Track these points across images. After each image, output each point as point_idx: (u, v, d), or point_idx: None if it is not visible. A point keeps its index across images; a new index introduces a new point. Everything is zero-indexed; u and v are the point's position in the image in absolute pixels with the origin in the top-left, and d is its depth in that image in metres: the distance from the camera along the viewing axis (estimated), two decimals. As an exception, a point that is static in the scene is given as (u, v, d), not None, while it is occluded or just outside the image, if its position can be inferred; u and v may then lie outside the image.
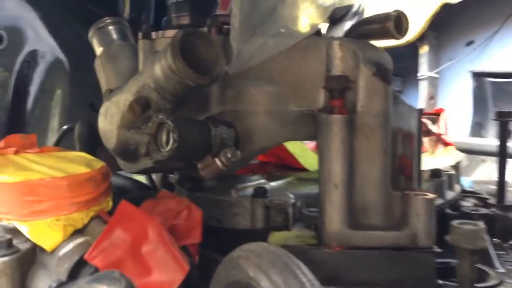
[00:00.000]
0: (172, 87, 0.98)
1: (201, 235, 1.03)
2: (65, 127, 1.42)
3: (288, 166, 1.56)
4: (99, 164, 1.04)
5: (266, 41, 1.05)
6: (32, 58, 2.17)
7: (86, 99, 2.19)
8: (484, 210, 1.49)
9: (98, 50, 1.41)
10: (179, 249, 0.92)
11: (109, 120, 1.13)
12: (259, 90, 1.18)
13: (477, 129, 3.09)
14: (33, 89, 2.20)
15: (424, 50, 3.92)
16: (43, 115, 2.25)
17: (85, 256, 0.84)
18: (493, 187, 2.06)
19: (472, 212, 1.46)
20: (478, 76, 3.01)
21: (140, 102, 0.98)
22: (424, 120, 1.84)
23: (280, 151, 1.52)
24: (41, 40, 2.19)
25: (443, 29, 3.88)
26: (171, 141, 0.92)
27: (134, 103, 0.98)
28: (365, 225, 1.10)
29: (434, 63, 3.95)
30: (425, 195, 1.12)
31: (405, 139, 1.19)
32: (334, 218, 1.08)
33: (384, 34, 1.21)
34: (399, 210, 1.12)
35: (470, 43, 3.73)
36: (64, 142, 1.55)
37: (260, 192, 1.21)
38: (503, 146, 1.51)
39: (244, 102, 1.17)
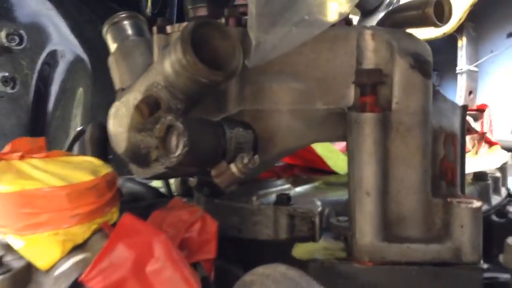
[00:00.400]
0: (183, 84, 0.88)
1: (216, 249, 0.93)
2: (79, 129, 1.34)
3: (316, 169, 1.44)
4: (105, 170, 0.94)
5: (289, 31, 0.94)
6: (52, 58, 2.11)
7: (109, 99, 2.13)
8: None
9: (112, 46, 1.32)
10: (190, 267, 0.81)
11: (119, 122, 1.04)
12: (282, 86, 1.07)
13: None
14: (54, 89, 2.15)
15: (462, 42, 3.72)
16: (65, 116, 2.20)
17: (82, 277, 0.74)
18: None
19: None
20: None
21: (149, 102, 0.88)
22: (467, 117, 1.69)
23: (307, 153, 1.41)
24: (62, 39, 2.14)
25: (482, 19, 3.67)
26: (180, 146, 0.82)
27: (141, 103, 0.88)
28: (401, 238, 0.98)
29: (473, 56, 3.74)
30: (471, 203, 0.99)
31: (447, 140, 1.06)
32: (366, 229, 0.96)
33: (423, 22, 1.08)
34: (440, 220, 1.00)
35: (511, 34, 3.50)
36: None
37: (283, 199, 1.10)
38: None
39: (265, 100, 1.06)
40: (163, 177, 1.15)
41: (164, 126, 0.84)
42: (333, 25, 1.07)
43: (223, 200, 1.15)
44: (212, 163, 0.89)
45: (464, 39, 3.68)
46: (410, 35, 1.06)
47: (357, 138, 0.97)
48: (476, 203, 0.99)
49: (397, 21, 1.12)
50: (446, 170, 1.05)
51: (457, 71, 3.73)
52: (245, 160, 0.85)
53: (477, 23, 3.67)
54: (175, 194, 1.45)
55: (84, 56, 2.13)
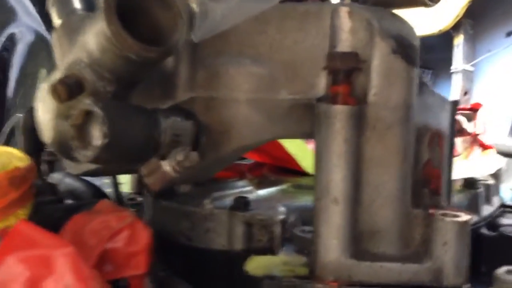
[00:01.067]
0: (110, 62, 0.72)
1: (148, 263, 0.76)
2: (15, 116, 1.18)
3: (288, 169, 1.27)
4: (19, 164, 0.78)
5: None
6: (10, 41, 1.94)
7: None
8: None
9: (57, 22, 1.15)
10: (107, 286, 0.65)
11: (46, 108, 0.87)
12: (240, 71, 0.91)
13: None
14: (14, 75, 1.98)
15: (459, 40, 3.56)
16: (26, 102, 2.03)
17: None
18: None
19: (515, 235, 1.16)
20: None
21: (67, 83, 0.71)
22: (458, 117, 1.54)
23: (278, 151, 1.25)
24: (23, 17, 1.97)
25: (481, 17, 3.51)
26: (99, 136, 0.65)
27: (58, 84, 0.71)
28: (373, 255, 0.82)
29: (470, 55, 3.59)
30: (457, 216, 0.83)
31: (433, 141, 0.90)
32: (332, 243, 0.80)
33: (411, 1, 0.92)
34: (420, 235, 0.84)
35: (511, 33, 3.35)
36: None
37: (240, 203, 0.94)
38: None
39: (220, 86, 0.90)
40: (97, 173, 0.99)
41: (81, 112, 0.68)
42: None
43: (172, 202, 0.99)
44: (141, 159, 0.72)
45: (461, 37, 3.52)
46: (394, 15, 0.90)
47: (325, 135, 0.81)
48: (464, 217, 0.83)
49: (384, 1, 0.96)
50: (429, 176, 0.89)
51: (452, 70, 3.58)
52: (180, 157, 0.69)
53: (475, 20, 3.52)
54: (129, 193, 1.29)
55: (46, 34, 1.95)
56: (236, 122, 0.89)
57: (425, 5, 0.90)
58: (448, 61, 3.62)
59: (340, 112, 0.80)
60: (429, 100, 0.93)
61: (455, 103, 0.97)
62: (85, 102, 0.67)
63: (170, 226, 0.98)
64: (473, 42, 3.58)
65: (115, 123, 0.66)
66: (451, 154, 0.96)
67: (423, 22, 3.02)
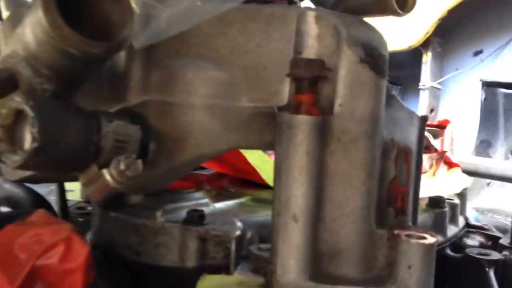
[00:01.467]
0: (48, 56, 0.64)
1: (84, 282, 0.68)
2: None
3: (249, 181, 1.21)
4: None
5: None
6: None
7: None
8: (494, 254, 1.16)
9: (4, 15, 1.06)
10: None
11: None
12: (199, 75, 0.84)
13: (484, 147, 2.75)
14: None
15: (427, 57, 3.59)
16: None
17: None
18: (502, 219, 1.73)
19: (480, 257, 1.13)
20: (490, 86, 2.66)
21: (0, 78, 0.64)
22: (426, 133, 1.51)
23: (238, 161, 1.18)
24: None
25: (450, 36, 3.55)
26: (28, 139, 0.58)
27: (-11, 78, 0.64)
28: (333, 277, 0.77)
29: (437, 73, 3.62)
30: (423, 237, 0.78)
31: (399, 157, 0.85)
32: (290, 264, 0.74)
33: (381, 8, 0.88)
34: (384, 257, 0.79)
35: (478, 52, 3.40)
36: None
37: (194, 217, 0.87)
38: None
39: (177, 90, 0.83)
40: (34, 180, 0.91)
41: (10, 110, 0.60)
42: (272, 2, 0.86)
43: (121, 213, 0.91)
44: (79, 167, 0.65)
45: (429, 54, 3.55)
46: (364, 22, 0.86)
47: (287, 146, 0.75)
48: (430, 239, 0.79)
49: (351, 6, 0.92)
50: (395, 194, 0.85)
51: (419, 87, 3.61)
52: (122, 166, 0.62)
53: (444, 39, 3.56)
54: (77, 201, 1.20)
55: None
56: (192, 130, 0.82)
57: (396, 13, 0.86)
58: (416, 77, 3.65)
59: (302, 123, 0.75)
60: (397, 114, 0.88)
61: (424, 119, 0.93)
62: (15, 100, 0.59)
63: (117, 240, 0.90)
64: (441, 60, 3.62)
65: (47, 124, 0.59)
66: (418, 172, 0.91)
67: (393, 38, 3.03)
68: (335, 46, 0.79)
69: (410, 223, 0.88)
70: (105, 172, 0.63)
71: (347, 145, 0.77)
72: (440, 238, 1.15)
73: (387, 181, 0.83)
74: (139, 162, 0.65)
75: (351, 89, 0.78)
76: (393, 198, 0.84)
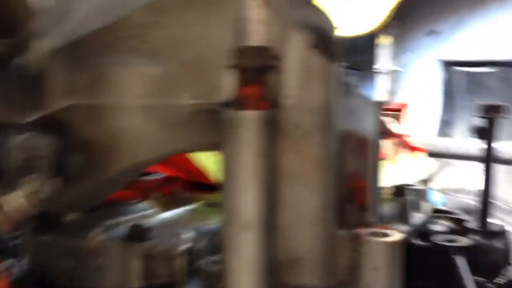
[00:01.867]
0: None
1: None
2: None
3: (202, 184, 1.12)
4: None
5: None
6: None
7: None
8: (463, 241, 1.11)
9: None
10: None
11: None
12: (133, 72, 0.75)
13: (446, 127, 2.73)
14: None
15: (384, 41, 3.57)
16: None
17: None
18: (465, 198, 1.71)
19: (448, 245, 1.08)
20: (450, 65, 2.64)
21: None
22: (384, 118, 1.46)
23: (188, 163, 1.09)
24: None
25: (406, 17, 3.54)
26: None
27: None
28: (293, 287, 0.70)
29: (395, 55, 3.61)
30: (387, 235, 0.72)
31: (358, 149, 0.79)
32: (242, 279, 0.67)
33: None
34: (347, 260, 0.72)
35: (432, 32, 3.40)
36: None
37: (137, 232, 0.78)
38: (489, 152, 1.14)
39: (106, 91, 0.74)
40: None
41: None
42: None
43: (53, 235, 0.81)
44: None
45: (387, 37, 3.53)
46: (311, 4, 0.78)
47: (233, 146, 0.68)
48: (395, 235, 0.72)
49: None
50: (355, 190, 0.78)
51: (377, 71, 3.59)
52: (35, 186, 0.53)
53: (401, 21, 3.54)
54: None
55: None
56: (125, 135, 0.73)
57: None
58: (374, 61, 3.62)
59: (250, 119, 0.67)
60: (353, 103, 0.81)
61: (380, 104, 0.87)
62: None
63: (52, 264, 0.81)
64: (398, 43, 3.61)
65: None
66: (377, 162, 0.85)
67: (350, 23, 2.98)
68: (282, 31, 0.71)
69: (372, 219, 0.82)
70: (14, 194, 0.54)
71: (299, 140, 0.70)
72: (405, 228, 1.10)
73: (345, 176, 0.76)
74: (56, 181, 0.56)
75: (302, 78, 0.70)
76: (352, 194, 0.78)
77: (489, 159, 1.15)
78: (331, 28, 0.75)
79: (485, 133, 1.13)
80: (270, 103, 0.69)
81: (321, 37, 0.72)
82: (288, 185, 0.70)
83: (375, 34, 3.55)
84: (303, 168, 0.70)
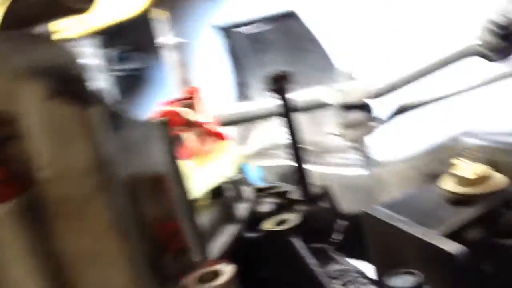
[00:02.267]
0: None
1: None
2: None
3: None
4: None
5: None
6: None
7: None
8: (292, 218, 1.08)
9: None
10: None
11: None
12: None
13: (242, 90, 2.76)
14: None
15: (162, 14, 3.44)
16: None
17: None
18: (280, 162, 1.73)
19: (278, 230, 1.04)
20: (228, 29, 2.63)
21: None
22: (179, 109, 1.35)
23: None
24: None
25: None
26: None
27: None
28: None
29: (179, 27, 3.51)
30: (217, 273, 0.63)
31: (155, 188, 0.67)
32: None
33: (55, 10, 0.65)
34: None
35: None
36: None
37: None
38: (288, 118, 1.13)
39: None
40: None
41: None
42: None
43: None
44: None
45: (164, 11, 3.40)
46: (44, 42, 0.62)
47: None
48: (226, 270, 0.64)
49: (13, 19, 0.66)
50: (167, 236, 0.67)
51: (162, 46, 3.46)
52: None
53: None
54: None
55: None
56: None
57: (77, 11, 0.63)
58: (154, 38, 3.49)
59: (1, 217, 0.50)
60: (132, 135, 0.68)
61: (164, 123, 0.75)
62: None
63: None
64: (177, 14, 3.51)
65: None
66: (182, 192, 0.74)
67: (119, 6, 2.78)
68: (10, 85, 0.54)
69: (198, 257, 0.72)
70: None
71: (76, 215, 0.55)
72: (234, 228, 1.04)
73: (147, 228, 0.64)
74: None
75: (53, 139, 0.55)
76: (166, 241, 0.67)
77: (291, 128, 1.14)
78: (74, 65, 0.60)
79: (278, 93, 1.12)
80: (20, 185, 0.53)
81: (63, 80, 0.56)
82: (80, 270, 0.56)
83: (146, 11, 3.39)
84: (95, 243, 0.56)
